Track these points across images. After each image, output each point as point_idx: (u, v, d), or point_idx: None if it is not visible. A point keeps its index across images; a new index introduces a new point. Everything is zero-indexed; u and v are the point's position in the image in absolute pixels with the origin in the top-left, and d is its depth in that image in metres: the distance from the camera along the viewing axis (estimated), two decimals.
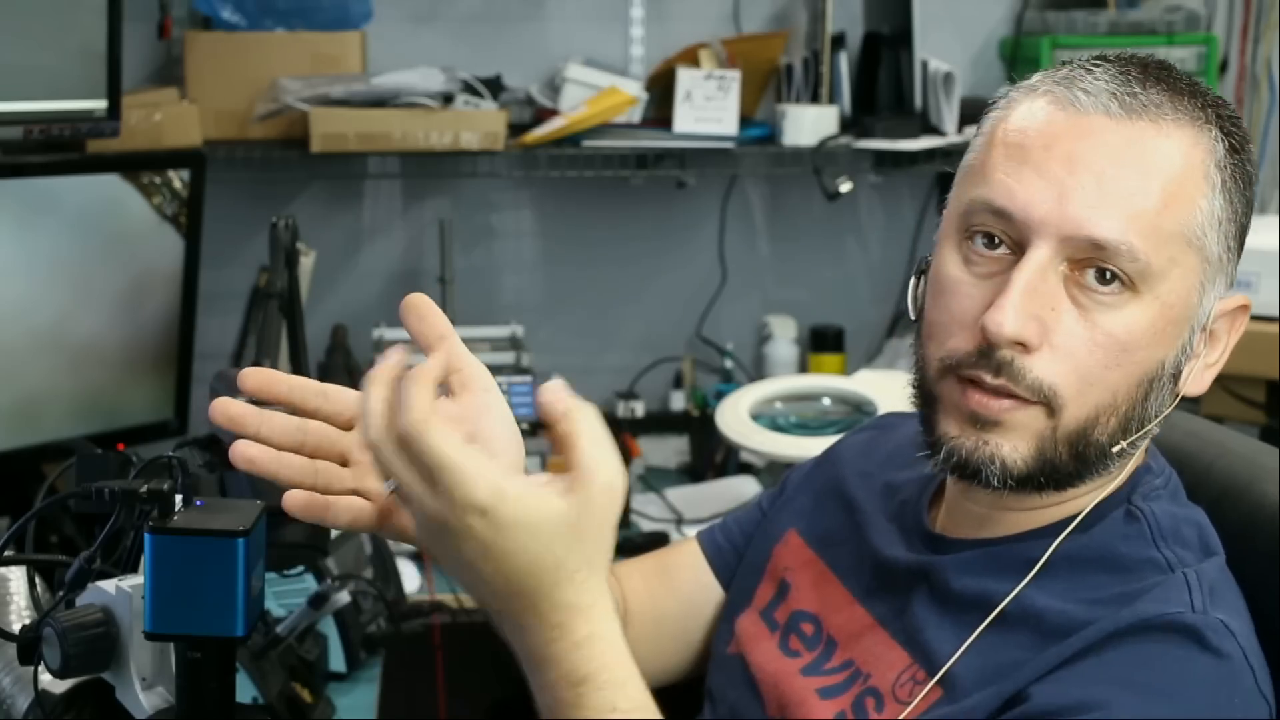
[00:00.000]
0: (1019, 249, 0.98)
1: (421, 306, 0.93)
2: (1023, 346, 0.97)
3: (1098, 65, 1.00)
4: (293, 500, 0.93)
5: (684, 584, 1.32)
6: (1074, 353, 0.97)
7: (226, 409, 0.93)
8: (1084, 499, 1.04)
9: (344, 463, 0.96)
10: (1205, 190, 0.98)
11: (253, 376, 0.95)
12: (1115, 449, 1.01)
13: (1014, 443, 0.99)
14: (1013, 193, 0.98)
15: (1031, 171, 0.98)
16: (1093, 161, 0.96)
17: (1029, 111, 1.00)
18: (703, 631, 1.31)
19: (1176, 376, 1.02)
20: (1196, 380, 1.04)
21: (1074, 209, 0.96)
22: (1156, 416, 1.02)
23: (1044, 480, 1.01)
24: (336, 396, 0.97)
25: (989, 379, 0.98)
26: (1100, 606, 0.98)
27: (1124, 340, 0.97)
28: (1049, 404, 0.98)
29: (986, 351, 0.98)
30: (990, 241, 1.00)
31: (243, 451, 0.93)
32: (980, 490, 1.02)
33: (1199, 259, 0.99)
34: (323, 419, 0.96)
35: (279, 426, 0.95)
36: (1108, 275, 0.97)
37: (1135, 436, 1.01)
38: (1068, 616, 0.98)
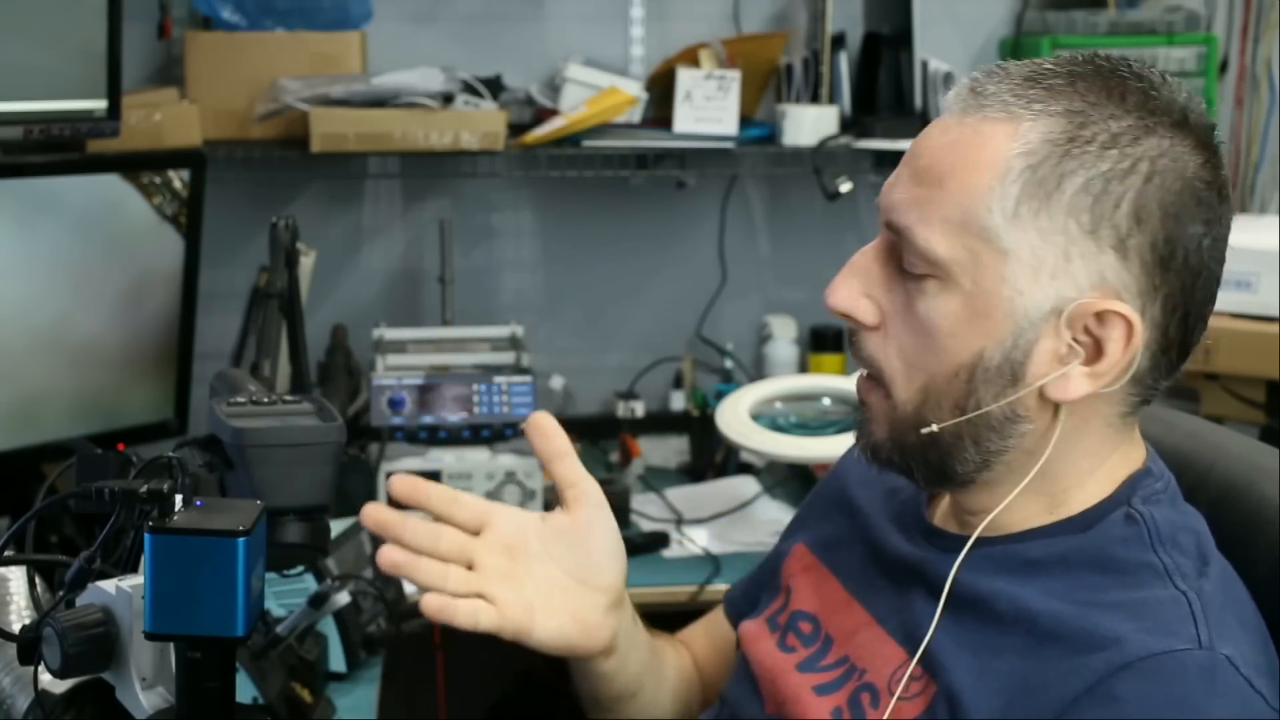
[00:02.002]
0: None
1: (547, 426, 1.09)
2: (858, 323, 1.04)
3: (1003, 65, 1.03)
4: (428, 604, 1.04)
5: (727, 654, 1.30)
6: (898, 334, 1.02)
7: (376, 514, 1.07)
8: (1080, 501, 1.04)
9: (470, 566, 1.07)
10: (996, 184, 0.97)
11: (400, 485, 1.08)
12: (926, 431, 1.01)
13: (874, 423, 1.05)
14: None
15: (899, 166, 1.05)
16: (918, 155, 1.01)
17: None
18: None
19: (1014, 371, 0.99)
20: (1066, 385, 0.99)
21: (889, 197, 1.02)
22: (993, 404, 1.00)
23: (908, 465, 1.04)
24: (467, 504, 1.09)
25: (854, 355, 1.06)
26: (1096, 610, 0.98)
27: (931, 326, 1.00)
28: (881, 383, 1.04)
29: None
30: None
31: (389, 556, 1.06)
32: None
33: (996, 253, 0.98)
34: (455, 525, 1.09)
35: (420, 532, 1.07)
36: (916, 263, 1.00)
37: (968, 417, 1.00)
38: (1061, 620, 0.98)
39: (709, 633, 1.36)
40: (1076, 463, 1.04)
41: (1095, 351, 0.99)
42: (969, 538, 1.07)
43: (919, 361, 1.01)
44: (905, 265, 1.01)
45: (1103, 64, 1.01)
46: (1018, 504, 1.05)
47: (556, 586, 1.09)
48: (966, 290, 0.99)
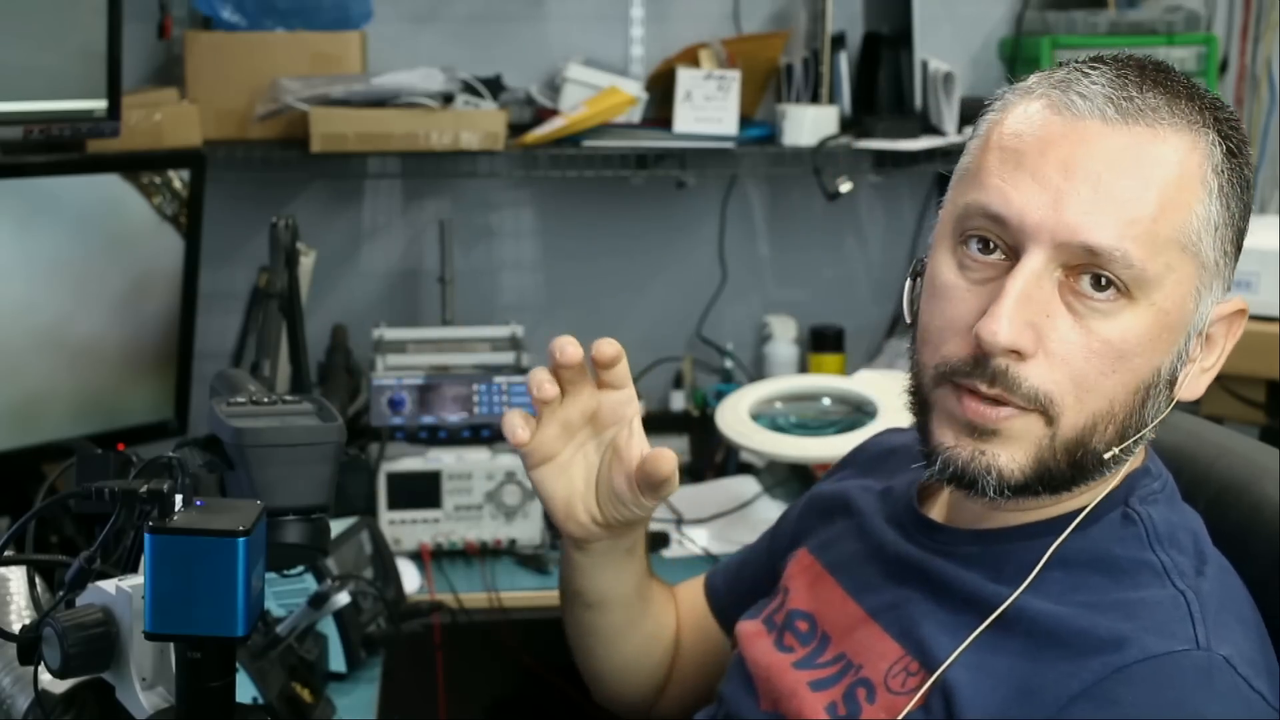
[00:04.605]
0: (1014, 255, 0.98)
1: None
2: (1017, 354, 0.97)
3: (1094, 68, 1.00)
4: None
5: (698, 629, 1.39)
6: (1070, 360, 0.97)
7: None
8: (1080, 499, 1.04)
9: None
10: (1202, 196, 0.98)
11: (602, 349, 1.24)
12: (1108, 455, 1.00)
13: (1011, 452, 0.99)
14: (1008, 198, 0.97)
15: (1027, 177, 0.97)
16: (1089, 167, 0.96)
17: (1024, 115, 1.00)
18: (719, 669, 1.34)
19: (1173, 382, 1.01)
20: (1192, 385, 1.03)
21: (1069, 215, 0.95)
22: (1152, 422, 1.01)
23: (1041, 488, 1.01)
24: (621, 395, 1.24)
25: (984, 388, 0.98)
26: (1095, 612, 0.98)
27: (1120, 347, 0.97)
28: (1046, 411, 0.98)
29: (981, 360, 0.98)
30: (985, 246, 1.00)
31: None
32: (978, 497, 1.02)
33: (1195, 265, 0.98)
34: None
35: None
36: (1103, 282, 0.96)
37: (1129, 442, 1.01)
38: (1060, 621, 0.98)
39: (685, 602, 1.40)
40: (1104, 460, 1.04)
41: (1207, 347, 1.03)
42: (969, 532, 1.08)
43: (1098, 385, 0.98)
44: (1084, 285, 0.97)
45: (1169, 67, 1.02)
46: (1020, 505, 1.05)
47: (581, 473, 1.22)
48: (1159, 307, 0.97)
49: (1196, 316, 1.00)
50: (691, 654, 1.39)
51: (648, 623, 1.34)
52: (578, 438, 1.21)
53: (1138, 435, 1.01)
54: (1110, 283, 0.96)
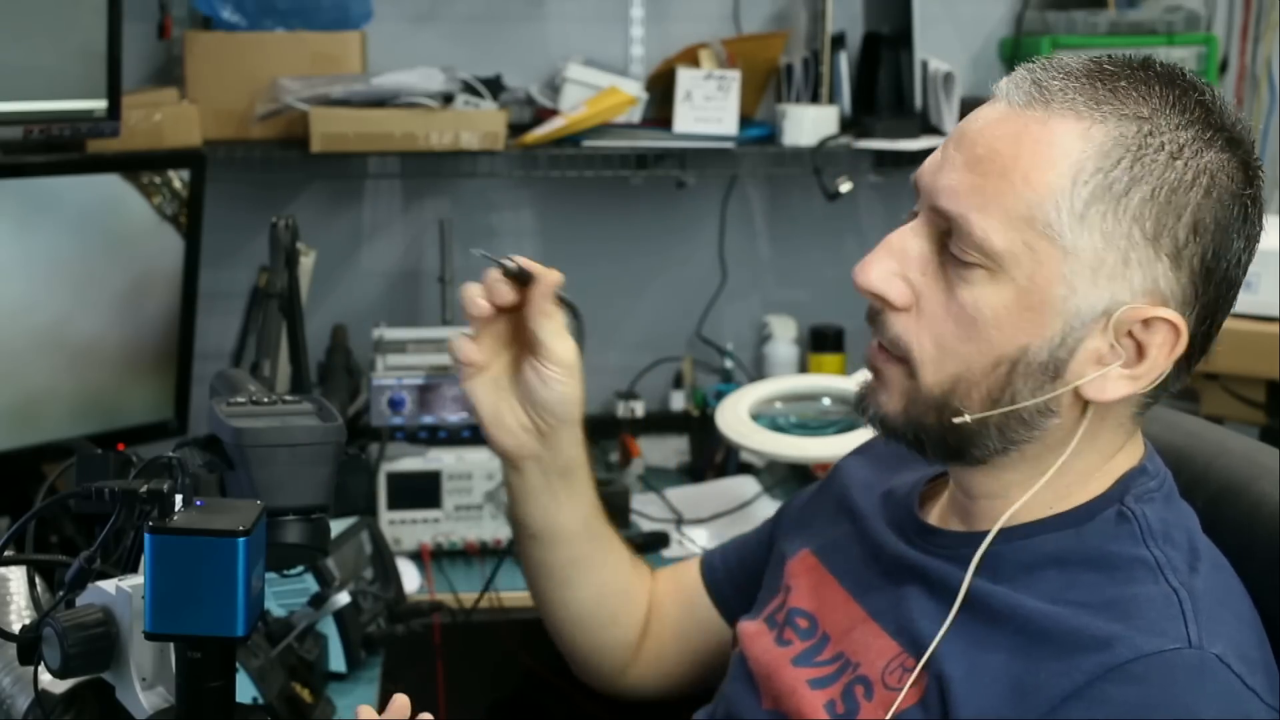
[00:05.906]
0: None
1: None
2: (888, 303, 1.04)
3: (1058, 60, 1.03)
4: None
5: (686, 603, 1.40)
6: (933, 319, 1.02)
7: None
8: (1070, 500, 1.05)
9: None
10: (1066, 184, 0.98)
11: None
12: (958, 420, 1.02)
13: (888, 394, 1.07)
14: (923, 165, 1.05)
15: (939, 149, 1.04)
16: (974, 142, 1.00)
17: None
18: (704, 647, 1.38)
19: (1054, 368, 1.01)
20: (1104, 386, 1.01)
21: (939, 180, 1.01)
22: (1030, 400, 1.01)
23: (919, 440, 1.05)
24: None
25: (868, 324, 1.07)
26: (1088, 611, 0.98)
27: (973, 315, 1.00)
28: (906, 361, 1.04)
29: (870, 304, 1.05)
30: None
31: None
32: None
33: (1058, 251, 0.98)
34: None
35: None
36: (959, 248, 1.00)
37: (997, 413, 1.02)
38: (1053, 620, 0.99)
39: (675, 577, 1.42)
40: (1088, 459, 1.05)
41: (1136, 355, 1.01)
42: (963, 534, 1.09)
43: (955, 348, 1.02)
44: (952, 250, 1.01)
45: (1162, 70, 1.01)
46: (1022, 497, 1.06)
47: (505, 378, 1.30)
48: (1020, 285, 0.99)
49: (1075, 306, 0.99)
50: (676, 628, 1.39)
51: (603, 570, 1.37)
52: (501, 349, 1.30)
53: (1011, 408, 1.01)
54: (964, 250, 1.00)
